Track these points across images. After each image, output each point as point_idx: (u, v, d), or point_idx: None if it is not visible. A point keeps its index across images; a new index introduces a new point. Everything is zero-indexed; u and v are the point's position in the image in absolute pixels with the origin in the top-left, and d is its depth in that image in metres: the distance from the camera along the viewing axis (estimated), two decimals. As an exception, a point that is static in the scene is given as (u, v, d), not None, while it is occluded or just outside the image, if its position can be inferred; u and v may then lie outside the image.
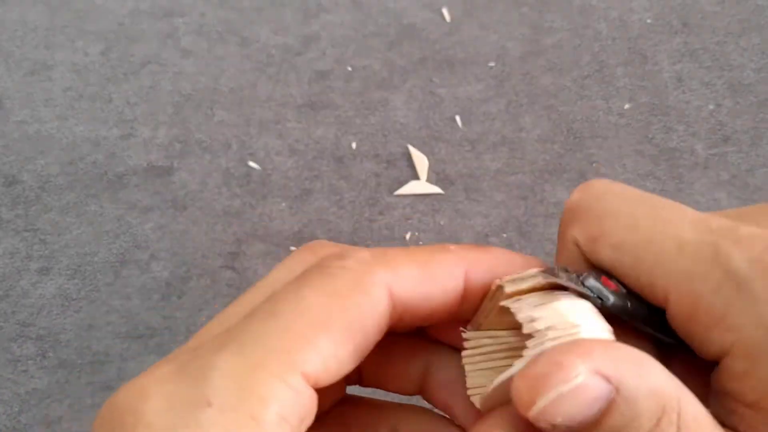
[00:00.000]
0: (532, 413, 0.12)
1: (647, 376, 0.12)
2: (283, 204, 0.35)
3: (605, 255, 0.14)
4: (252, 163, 0.36)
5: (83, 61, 0.40)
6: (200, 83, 0.39)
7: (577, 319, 0.13)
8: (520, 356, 0.13)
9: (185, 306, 0.32)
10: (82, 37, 0.41)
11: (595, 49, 0.39)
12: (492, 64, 0.39)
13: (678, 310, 0.13)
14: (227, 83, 0.39)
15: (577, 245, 0.15)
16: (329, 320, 0.13)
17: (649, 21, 0.41)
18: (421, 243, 0.34)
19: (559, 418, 0.12)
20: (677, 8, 0.41)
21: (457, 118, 0.37)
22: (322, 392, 0.13)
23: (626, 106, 0.38)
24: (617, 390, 0.12)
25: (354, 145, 0.37)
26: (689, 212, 0.14)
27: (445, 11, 0.41)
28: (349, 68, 0.39)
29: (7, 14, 0.42)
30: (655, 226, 0.14)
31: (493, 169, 0.36)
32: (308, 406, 0.13)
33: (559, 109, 0.38)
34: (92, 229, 0.34)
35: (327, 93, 0.39)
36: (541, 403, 0.12)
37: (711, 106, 0.38)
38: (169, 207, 0.35)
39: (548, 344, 0.13)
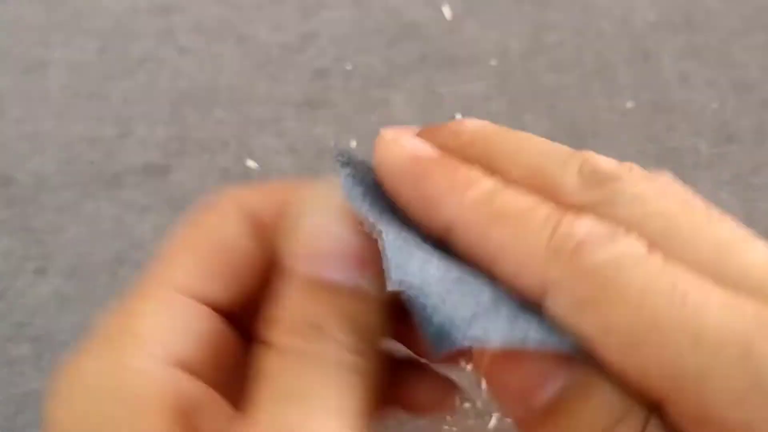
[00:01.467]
0: None
1: None
2: (282, 204, 0.35)
3: (589, 330, 0.12)
4: (250, 162, 0.36)
5: (80, 59, 0.40)
6: (198, 81, 0.39)
7: None
8: None
9: (183, 307, 0.32)
10: (78, 35, 0.40)
11: (598, 47, 0.39)
12: (493, 62, 0.39)
13: (678, 413, 0.11)
14: (225, 81, 0.39)
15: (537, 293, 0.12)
16: (184, 241, 0.15)
17: (652, 19, 0.40)
18: (421, 243, 0.33)
19: None
20: (681, 6, 0.41)
21: (458, 116, 0.37)
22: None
23: (629, 105, 0.37)
24: None
25: (354, 144, 0.37)
26: (717, 289, 0.11)
27: (445, 9, 0.41)
28: (349, 66, 0.39)
29: (3, 12, 0.41)
30: (669, 306, 0.11)
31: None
32: (192, 317, 0.14)
33: (561, 107, 0.37)
34: (89, 229, 0.34)
35: (326, 91, 0.38)
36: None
37: (714, 105, 0.37)
38: (166, 206, 0.35)
39: None
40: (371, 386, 0.13)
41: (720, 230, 0.13)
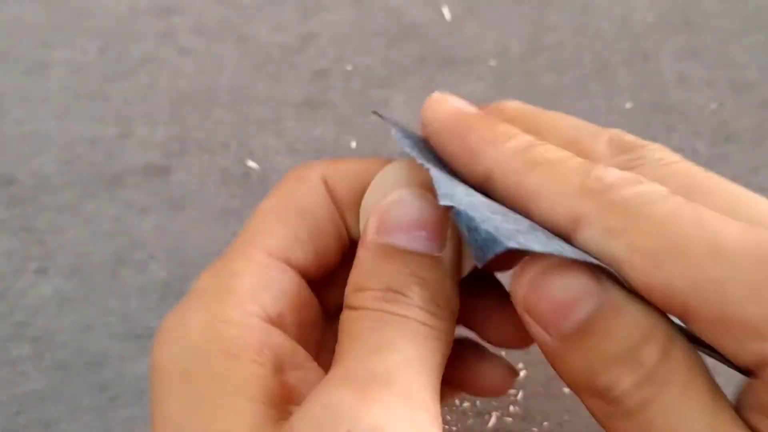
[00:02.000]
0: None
1: None
2: (282, 204, 0.35)
3: (617, 252, 0.13)
4: (251, 163, 0.36)
5: (80, 60, 0.40)
6: (198, 82, 0.39)
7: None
8: None
9: (183, 307, 0.32)
10: (79, 36, 0.40)
11: (597, 47, 0.39)
12: (493, 62, 0.39)
13: (703, 318, 0.12)
14: (225, 82, 0.39)
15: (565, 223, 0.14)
16: (275, 208, 0.16)
17: (651, 20, 0.40)
18: (421, 243, 0.34)
19: None
20: (679, 7, 0.41)
21: (458, 117, 0.37)
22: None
23: (628, 105, 0.37)
24: None
25: (354, 145, 0.37)
26: (732, 220, 0.13)
27: (445, 10, 0.41)
28: (349, 67, 0.39)
29: (4, 12, 0.41)
30: (690, 228, 0.12)
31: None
32: (282, 279, 0.16)
33: (560, 107, 0.37)
34: (90, 229, 0.34)
35: (326, 92, 0.38)
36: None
37: (713, 106, 0.37)
38: (167, 207, 0.35)
39: None
40: (445, 350, 0.15)
41: (734, 187, 0.15)
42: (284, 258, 0.16)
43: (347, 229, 0.17)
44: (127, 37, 0.40)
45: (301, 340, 0.16)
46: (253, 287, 0.15)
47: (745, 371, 0.13)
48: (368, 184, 0.16)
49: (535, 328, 0.14)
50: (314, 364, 0.16)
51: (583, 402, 0.14)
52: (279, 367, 0.14)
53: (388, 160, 0.17)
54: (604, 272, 0.13)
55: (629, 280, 0.13)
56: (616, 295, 0.13)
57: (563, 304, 0.13)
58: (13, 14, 0.41)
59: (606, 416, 0.13)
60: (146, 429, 0.30)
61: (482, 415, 0.29)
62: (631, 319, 0.13)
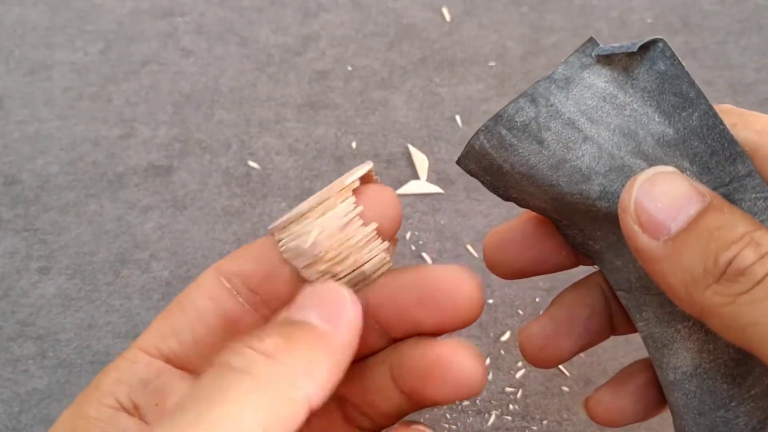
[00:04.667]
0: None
1: None
2: (284, 204, 0.35)
3: (747, 137, 0.15)
4: (252, 163, 0.36)
5: (83, 61, 0.40)
6: (200, 83, 0.39)
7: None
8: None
9: (185, 306, 0.32)
10: (81, 37, 0.41)
11: (596, 48, 0.39)
12: (492, 63, 0.39)
13: None
14: (227, 83, 0.39)
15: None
16: (167, 309, 0.18)
17: (649, 21, 0.41)
18: (421, 243, 0.34)
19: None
20: (677, 8, 0.41)
21: (458, 117, 0.37)
22: None
23: (626, 106, 0.38)
24: None
25: (354, 145, 0.37)
26: None
27: (445, 11, 0.41)
28: (349, 68, 0.39)
29: (7, 14, 0.42)
30: None
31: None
32: (142, 369, 0.17)
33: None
34: (92, 229, 0.34)
35: (327, 93, 0.39)
36: None
37: (711, 106, 0.38)
38: (169, 207, 0.35)
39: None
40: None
41: None
42: (155, 350, 0.18)
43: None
44: (129, 38, 0.41)
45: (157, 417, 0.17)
46: (114, 380, 0.17)
47: None
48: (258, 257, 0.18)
49: (643, 239, 0.14)
50: None
51: (700, 306, 0.14)
52: None
53: (269, 239, 0.18)
54: (728, 171, 0.14)
55: (758, 162, 0.15)
56: (718, 198, 0.14)
57: (672, 207, 0.14)
58: (15, 16, 0.42)
59: (732, 298, 0.13)
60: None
61: (482, 413, 0.29)
62: (737, 214, 0.14)
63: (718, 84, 0.38)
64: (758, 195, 0.15)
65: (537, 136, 0.15)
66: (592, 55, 0.15)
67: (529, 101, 0.15)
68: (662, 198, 0.14)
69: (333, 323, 0.15)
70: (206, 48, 0.40)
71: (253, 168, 0.36)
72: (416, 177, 0.36)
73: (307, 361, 0.14)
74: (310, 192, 0.35)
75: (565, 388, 0.29)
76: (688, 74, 0.15)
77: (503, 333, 0.31)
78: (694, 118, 0.14)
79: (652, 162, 0.15)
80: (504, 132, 0.15)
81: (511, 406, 0.29)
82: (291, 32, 0.41)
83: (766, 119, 0.15)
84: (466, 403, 0.29)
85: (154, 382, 0.17)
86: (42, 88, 0.39)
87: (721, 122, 0.14)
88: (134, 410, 0.17)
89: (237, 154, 0.37)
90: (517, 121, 0.15)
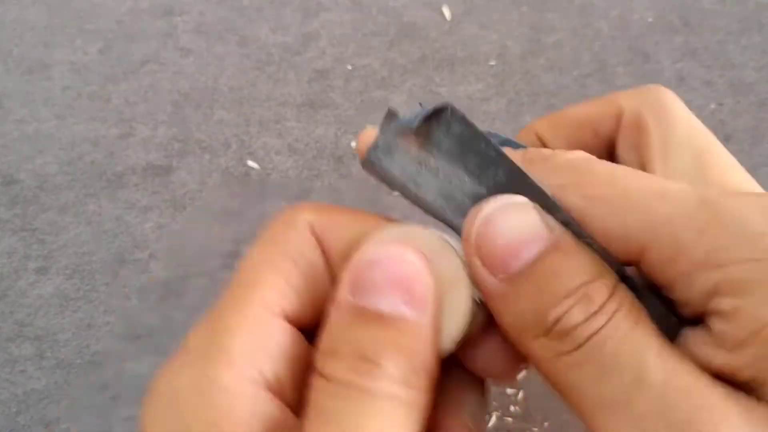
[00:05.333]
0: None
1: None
2: (283, 203, 0.35)
3: (574, 204, 0.14)
4: (251, 163, 0.36)
5: (82, 60, 0.40)
6: (199, 82, 0.39)
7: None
8: None
9: (184, 306, 0.32)
10: (80, 36, 0.41)
11: (596, 48, 0.39)
12: (492, 62, 0.39)
13: (657, 258, 0.13)
14: (226, 82, 0.39)
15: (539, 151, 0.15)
16: (265, 256, 0.15)
17: (649, 20, 0.40)
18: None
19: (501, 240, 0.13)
20: (678, 7, 0.41)
21: (458, 117, 0.37)
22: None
23: (627, 106, 0.38)
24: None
25: (354, 145, 0.37)
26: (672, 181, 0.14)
27: (445, 10, 0.41)
28: (349, 67, 0.39)
29: (6, 13, 0.41)
30: (636, 179, 0.13)
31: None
32: (281, 337, 0.14)
33: (559, 107, 0.37)
34: (91, 229, 0.34)
35: (327, 92, 0.38)
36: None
37: (712, 106, 0.37)
38: (168, 206, 0.35)
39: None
40: (423, 418, 0.13)
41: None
42: (281, 311, 0.14)
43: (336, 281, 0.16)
44: (128, 37, 0.40)
45: (300, 400, 0.14)
46: (249, 347, 0.14)
47: (692, 319, 0.13)
48: (359, 238, 0.15)
49: (482, 272, 0.13)
50: None
51: (527, 352, 0.14)
52: None
53: (384, 218, 0.16)
54: (556, 216, 0.14)
55: (589, 228, 0.14)
56: (565, 238, 0.13)
57: (514, 243, 0.13)
58: (14, 15, 0.41)
59: (555, 356, 0.13)
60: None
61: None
62: (581, 258, 0.13)
63: (718, 83, 0.38)
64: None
65: (394, 189, 0.16)
66: (396, 127, 0.15)
67: (370, 168, 0.16)
68: (505, 232, 0.13)
69: (419, 307, 0.13)
70: (206, 47, 0.40)
71: (253, 168, 0.36)
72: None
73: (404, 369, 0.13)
74: (309, 192, 0.35)
75: (566, 389, 0.29)
76: (482, 134, 0.15)
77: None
78: (500, 174, 0.15)
79: None
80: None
81: (512, 408, 0.29)
82: (291, 31, 0.41)
83: (596, 179, 0.14)
84: (466, 403, 0.29)
85: (295, 355, 0.14)
86: (41, 88, 0.39)
87: (527, 176, 0.14)
88: (278, 390, 0.14)
89: (236, 154, 0.36)
90: (376, 178, 0.16)
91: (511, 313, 0.13)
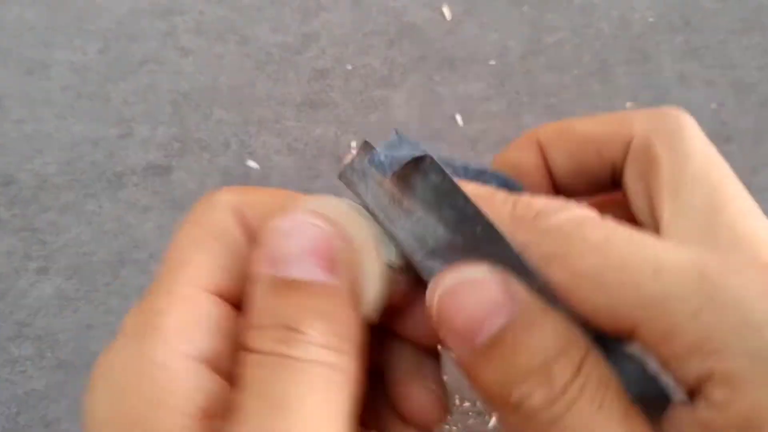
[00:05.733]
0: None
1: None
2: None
3: (559, 277, 0.13)
4: (251, 162, 0.36)
5: (82, 60, 0.40)
6: (199, 82, 0.39)
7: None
8: None
9: (184, 306, 0.32)
10: (80, 36, 0.40)
11: (597, 47, 0.39)
12: (493, 62, 0.39)
13: (650, 337, 0.12)
14: (226, 82, 0.39)
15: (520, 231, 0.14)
16: (191, 237, 0.15)
17: (650, 20, 0.40)
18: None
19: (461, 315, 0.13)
20: (679, 7, 0.41)
21: (458, 116, 0.37)
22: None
23: (628, 105, 0.37)
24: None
25: (354, 144, 0.37)
26: (671, 243, 0.13)
27: (445, 10, 0.41)
28: (349, 67, 0.39)
29: (6, 13, 0.41)
30: (630, 249, 0.13)
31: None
32: (213, 312, 0.14)
33: (560, 107, 0.37)
34: (91, 229, 0.34)
35: (326, 92, 0.38)
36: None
37: (713, 105, 0.37)
38: (168, 206, 0.35)
39: None
40: (354, 389, 0.13)
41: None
42: (211, 287, 0.14)
43: None
44: (127, 37, 0.40)
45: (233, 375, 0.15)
46: (182, 323, 0.14)
47: (685, 392, 0.12)
48: (277, 213, 0.15)
49: (449, 341, 0.13)
50: None
51: (498, 416, 0.13)
52: (207, 414, 0.13)
53: (301, 194, 0.16)
54: (528, 278, 0.13)
55: (574, 303, 0.13)
56: (531, 309, 0.13)
57: (475, 318, 0.13)
58: (14, 15, 0.41)
59: (518, 428, 0.13)
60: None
61: (482, 415, 0.29)
62: (544, 334, 0.13)
63: (719, 83, 0.38)
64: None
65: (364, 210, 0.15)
66: (372, 161, 0.15)
67: (345, 183, 0.15)
68: (465, 308, 0.13)
69: (332, 271, 0.13)
70: (205, 47, 0.40)
71: (252, 167, 0.36)
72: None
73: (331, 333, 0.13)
74: (309, 192, 0.35)
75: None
76: (460, 190, 0.14)
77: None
78: (477, 231, 0.14)
79: (450, 263, 0.14)
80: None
81: (511, 408, 0.29)
82: (291, 31, 0.40)
83: (586, 249, 0.13)
84: (466, 404, 0.29)
85: (229, 329, 0.14)
86: (40, 88, 0.39)
87: (504, 238, 0.14)
88: (215, 364, 0.14)
89: (236, 154, 0.36)
90: (350, 192, 0.15)
91: (479, 385, 0.13)
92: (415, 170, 0.14)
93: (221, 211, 0.15)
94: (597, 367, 0.13)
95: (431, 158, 0.14)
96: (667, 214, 0.15)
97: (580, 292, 0.13)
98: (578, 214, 0.13)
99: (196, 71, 0.39)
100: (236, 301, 0.15)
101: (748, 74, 0.38)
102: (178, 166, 0.36)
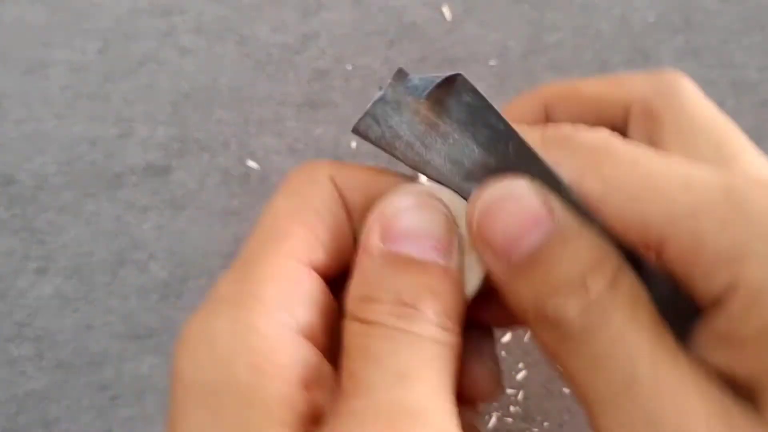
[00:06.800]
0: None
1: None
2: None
3: (592, 190, 0.13)
4: (251, 163, 0.36)
5: (81, 60, 0.40)
6: (199, 82, 0.39)
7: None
8: None
9: (184, 306, 0.32)
10: (79, 36, 0.40)
11: (597, 47, 0.39)
12: (493, 62, 0.39)
13: (677, 250, 0.12)
14: (226, 82, 0.39)
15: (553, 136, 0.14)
16: (289, 208, 0.15)
17: (651, 19, 0.40)
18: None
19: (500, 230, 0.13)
20: (680, 6, 0.41)
21: (458, 117, 0.37)
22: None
23: (628, 105, 0.37)
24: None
25: (354, 145, 0.37)
26: (698, 164, 0.13)
27: (445, 9, 0.41)
28: (349, 67, 0.39)
29: (5, 13, 0.41)
30: (659, 164, 0.13)
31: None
32: (310, 285, 0.14)
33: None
34: (90, 229, 0.34)
35: (326, 92, 0.38)
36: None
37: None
38: (167, 206, 0.35)
39: None
40: (457, 366, 0.14)
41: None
42: (308, 261, 0.15)
43: (357, 236, 0.16)
44: (127, 37, 0.40)
45: (329, 349, 0.15)
46: (282, 295, 0.14)
47: (707, 304, 0.13)
48: (378, 194, 0.15)
49: (487, 256, 0.14)
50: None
51: (533, 334, 0.14)
52: (306, 385, 0.14)
53: (400, 175, 0.17)
54: (562, 194, 0.14)
55: (605, 216, 0.13)
56: (568, 224, 0.13)
57: (514, 231, 0.13)
58: (13, 14, 0.41)
59: (555, 344, 0.13)
60: (146, 428, 0.30)
61: (483, 415, 0.29)
62: (580, 248, 0.13)
63: (720, 83, 0.38)
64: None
65: (390, 148, 0.15)
66: (405, 90, 0.15)
67: (373, 120, 0.16)
68: (505, 222, 0.13)
69: (446, 254, 0.14)
70: (205, 47, 0.40)
71: (252, 168, 0.36)
72: (416, 177, 0.35)
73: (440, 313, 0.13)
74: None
75: (566, 390, 0.29)
76: (492, 107, 0.14)
77: (504, 335, 0.31)
78: (510, 149, 0.14)
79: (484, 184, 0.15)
80: (366, 138, 0.16)
81: (511, 408, 0.29)
82: (290, 31, 0.40)
83: (617, 162, 0.13)
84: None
85: (324, 304, 0.15)
86: (39, 87, 0.39)
87: (536, 154, 0.14)
88: (311, 336, 0.14)
89: (236, 154, 0.36)
90: (370, 137, 0.16)
91: (515, 300, 0.14)
92: (448, 91, 0.15)
93: (322, 184, 0.16)
94: (629, 281, 0.13)
95: (463, 78, 0.14)
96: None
97: (611, 205, 0.13)
98: (607, 134, 0.14)
99: (195, 71, 0.39)
100: (330, 276, 0.15)
101: (749, 74, 0.38)
102: (177, 166, 0.36)
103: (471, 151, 0.15)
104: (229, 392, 0.13)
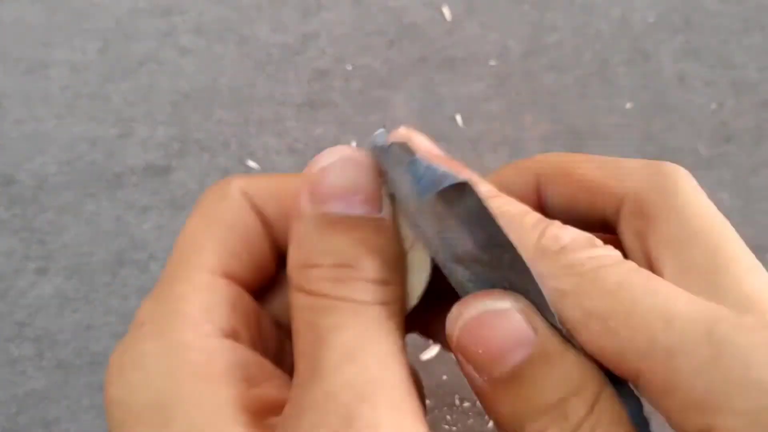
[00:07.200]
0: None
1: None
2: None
3: (571, 315, 0.13)
4: (251, 163, 0.36)
5: (81, 60, 0.40)
6: (199, 82, 0.39)
7: None
8: None
9: (184, 306, 0.32)
10: (79, 36, 0.40)
11: (597, 47, 0.39)
12: (493, 62, 0.39)
13: (651, 387, 0.12)
14: (226, 82, 0.39)
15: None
16: (201, 225, 0.15)
17: (651, 20, 0.40)
18: (421, 243, 0.34)
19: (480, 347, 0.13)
20: (679, 7, 0.41)
21: (458, 117, 0.37)
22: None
23: (628, 106, 0.37)
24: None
25: (354, 145, 0.37)
26: (682, 290, 0.13)
27: (445, 10, 0.41)
28: (349, 67, 0.39)
29: (5, 12, 0.41)
30: (644, 296, 0.12)
31: (494, 168, 0.35)
32: (229, 294, 0.15)
33: (560, 108, 0.37)
34: (90, 229, 0.34)
35: (326, 92, 0.38)
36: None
37: (713, 106, 0.37)
38: (167, 207, 0.35)
39: None
40: (403, 323, 0.14)
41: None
42: (225, 273, 0.15)
43: (276, 243, 0.16)
44: (127, 37, 0.40)
45: (262, 348, 0.15)
46: (202, 306, 0.14)
47: None
48: (294, 196, 0.15)
49: (467, 369, 0.13)
50: (281, 372, 0.15)
51: None
52: (251, 382, 0.14)
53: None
54: (546, 314, 0.13)
55: (581, 342, 0.13)
56: (551, 345, 0.13)
57: (496, 349, 0.13)
58: (13, 15, 0.41)
59: None
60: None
61: (483, 414, 0.29)
62: (562, 371, 0.13)
63: (720, 84, 0.38)
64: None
65: (389, 188, 0.15)
66: (408, 169, 0.14)
67: (373, 154, 0.15)
68: (487, 339, 0.13)
69: (376, 205, 0.14)
70: (205, 47, 0.40)
71: (252, 168, 0.36)
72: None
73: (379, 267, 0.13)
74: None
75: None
76: (495, 219, 0.14)
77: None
78: (504, 258, 0.14)
79: (473, 273, 0.14)
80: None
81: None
82: (290, 31, 0.40)
83: (602, 290, 0.13)
84: (466, 404, 0.29)
85: (245, 310, 0.15)
86: (39, 87, 0.39)
87: (529, 271, 0.13)
88: (241, 339, 0.14)
89: (236, 154, 0.36)
90: (378, 164, 0.15)
91: (495, 414, 0.13)
92: (453, 189, 0.14)
93: (232, 197, 0.16)
94: (610, 405, 0.13)
95: (470, 186, 0.14)
96: (668, 272, 0.14)
97: (588, 333, 0.13)
98: (601, 254, 0.13)
99: (195, 71, 0.39)
100: (254, 287, 0.15)
101: (749, 74, 0.38)
102: (177, 167, 0.36)
103: (464, 242, 0.14)
104: (175, 405, 0.13)
